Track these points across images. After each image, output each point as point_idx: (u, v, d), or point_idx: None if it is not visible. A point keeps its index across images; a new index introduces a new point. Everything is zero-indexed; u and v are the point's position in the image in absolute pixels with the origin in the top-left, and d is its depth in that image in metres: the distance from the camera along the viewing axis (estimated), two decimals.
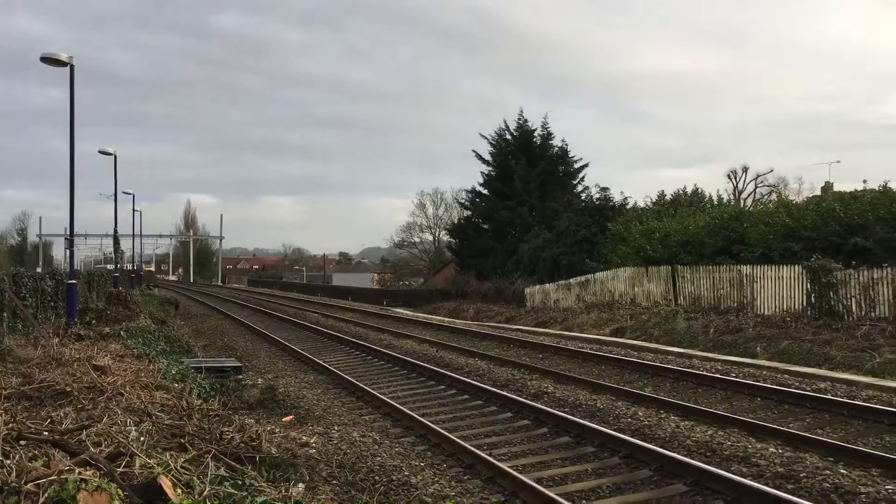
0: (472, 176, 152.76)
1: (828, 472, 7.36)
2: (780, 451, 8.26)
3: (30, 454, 5.16)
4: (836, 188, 32.82)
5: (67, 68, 19.84)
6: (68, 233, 21.11)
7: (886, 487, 6.85)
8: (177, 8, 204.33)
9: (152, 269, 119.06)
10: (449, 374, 14.12)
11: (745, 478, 7.19)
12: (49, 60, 19.52)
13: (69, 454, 5.35)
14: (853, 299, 17.38)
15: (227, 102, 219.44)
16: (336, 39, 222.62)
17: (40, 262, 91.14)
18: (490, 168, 44.55)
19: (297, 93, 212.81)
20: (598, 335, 21.65)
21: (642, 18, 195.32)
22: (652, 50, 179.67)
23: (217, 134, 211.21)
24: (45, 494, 4.19)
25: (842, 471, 7.40)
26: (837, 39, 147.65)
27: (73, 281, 19.88)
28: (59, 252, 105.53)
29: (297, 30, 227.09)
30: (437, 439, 9.32)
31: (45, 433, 6.07)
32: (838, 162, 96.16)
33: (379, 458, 8.37)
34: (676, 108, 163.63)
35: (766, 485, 7.01)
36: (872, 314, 16.81)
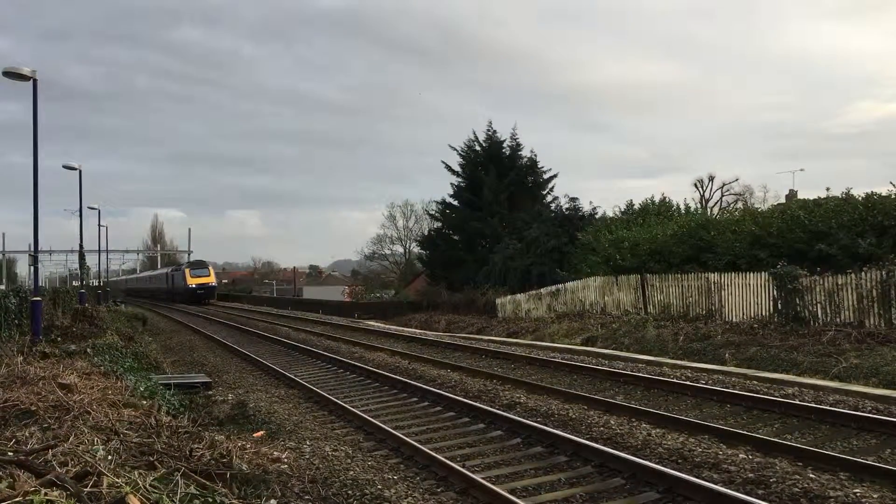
0: (437, 188, 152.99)
1: (797, 476, 7.45)
2: (750, 456, 8.35)
3: None
4: (801, 196, 33.40)
5: (30, 83, 19.59)
6: (32, 249, 20.77)
7: (854, 491, 6.94)
8: (133, 21, 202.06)
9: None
10: (421, 385, 14.08)
11: (716, 484, 7.26)
12: (12, 75, 19.25)
13: (35, 475, 5.24)
14: (818, 305, 17.65)
15: (188, 116, 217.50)
16: (291, 52, 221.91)
17: (3, 279, 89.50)
18: (460, 179, 44.65)
19: (257, 106, 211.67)
20: (569, 345, 21.75)
21: (603, 31, 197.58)
22: (614, 62, 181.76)
23: (180, 148, 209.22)
24: None
25: (811, 475, 7.49)
26: (801, 50, 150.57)
27: (38, 298, 19.55)
28: (22, 268, 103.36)
29: (253, 43, 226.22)
30: (410, 452, 9.29)
31: (10, 453, 5.94)
32: (802, 170, 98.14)
33: (352, 473, 8.31)
34: (642, 118, 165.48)
35: (738, 491, 7.08)
36: (838, 319, 17.09)
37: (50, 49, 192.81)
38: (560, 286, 29.37)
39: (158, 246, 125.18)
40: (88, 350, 16.13)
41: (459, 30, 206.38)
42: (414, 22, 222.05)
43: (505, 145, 43.99)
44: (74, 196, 38.10)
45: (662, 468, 7.79)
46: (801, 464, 7.98)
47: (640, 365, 16.47)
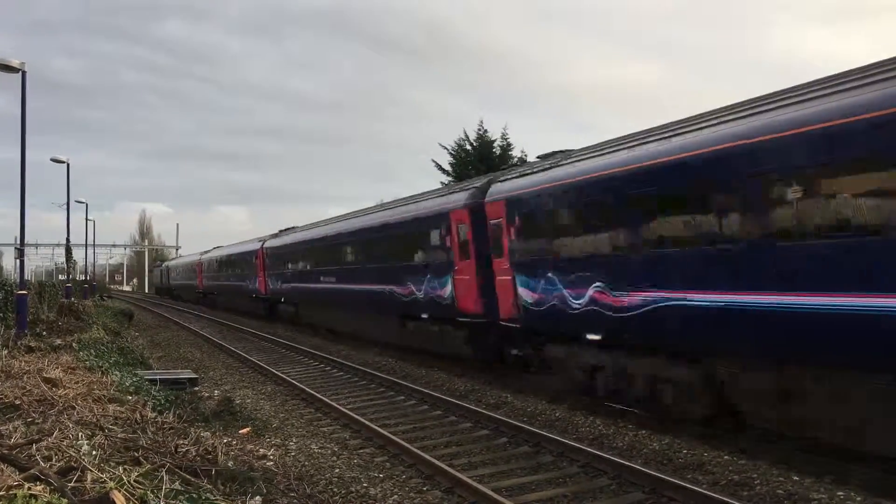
0: (427, 186, 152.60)
1: (781, 479, 7.49)
2: (734, 458, 8.38)
3: None
4: None
5: (18, 75, 19.42)
6: (18, 242, 20.62)
7: (838, 493, 6.98)
8: (119, 15, 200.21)
9: None
10: (408, 384, 14.08)
11: (701, 486, 7.29)
12: (0, 66, 19.08)
13: (18, 469, 5.21)
14: None
15: (174, 111, 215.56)
16: (278, 49, 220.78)
17: None
18: (450, 178, 44.65)
19: (242, 101, 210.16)
20: None
21: (591, 33, 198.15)
22: (603, 62, 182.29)
23: (167, 143, 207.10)
24: None
25: (795, 478, 7.53)
26: (788, 54, 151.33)
27: (24, 291, 19.41)
28: (8, 262, 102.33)
29: (240, 39, 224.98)
30: (396, 450, 9.29)
31: None
32: None
33: (338, 470, 8.31)
34: (631, 119, 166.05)
35: (722, 493, 7.11)
36: None
37: (35, 42, 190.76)
38: None
39: (146, 241, 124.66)
40: (74, 345, 16.03)
41: (450, 28, 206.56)
42: (402, 20, 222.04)
43: (495, 144, 44.04)
44: (59, 190, 37.97)
45: (648, 469, 7.84)
46: (785, 466, 8.01)
47: None
